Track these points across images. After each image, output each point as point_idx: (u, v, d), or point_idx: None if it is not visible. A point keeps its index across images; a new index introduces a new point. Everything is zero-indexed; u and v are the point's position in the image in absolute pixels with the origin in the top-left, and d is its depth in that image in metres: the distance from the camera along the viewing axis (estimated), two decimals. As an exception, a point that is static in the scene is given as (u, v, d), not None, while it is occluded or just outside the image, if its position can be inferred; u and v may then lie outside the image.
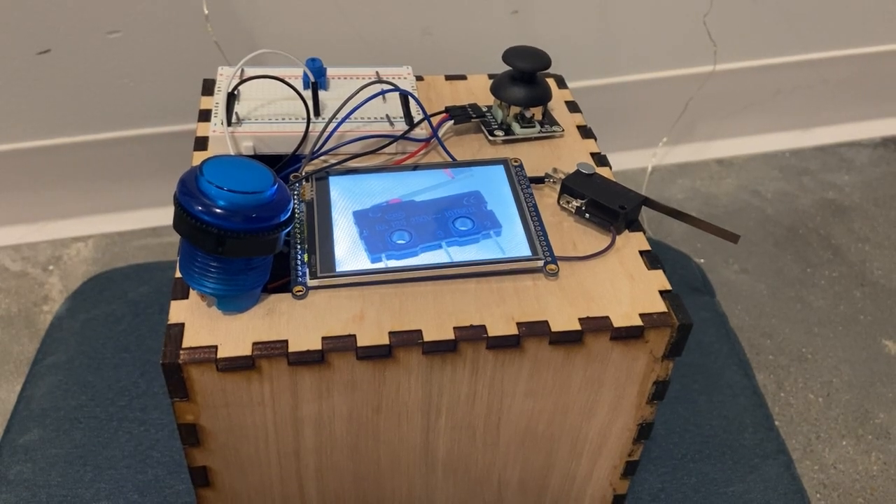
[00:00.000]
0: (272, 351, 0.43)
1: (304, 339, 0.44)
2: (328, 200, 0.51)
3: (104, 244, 1.00)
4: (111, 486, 0.64)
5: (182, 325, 0.44)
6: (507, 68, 0.58)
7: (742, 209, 1.10)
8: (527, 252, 0.49)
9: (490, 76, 0.64)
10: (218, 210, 0.41)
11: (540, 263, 0.48)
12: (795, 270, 0.99)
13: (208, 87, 0.62)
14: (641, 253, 0.51)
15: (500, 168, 0.55)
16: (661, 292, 0.48)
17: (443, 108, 0.59)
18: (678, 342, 0.47)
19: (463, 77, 0.66)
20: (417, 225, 0.50)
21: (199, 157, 0.55)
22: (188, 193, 0.42)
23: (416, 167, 0.55)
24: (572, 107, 0.63)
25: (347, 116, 0.55)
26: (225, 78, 0.59)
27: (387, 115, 0.58)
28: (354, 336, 0.44)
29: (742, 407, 0.74)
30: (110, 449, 0.66)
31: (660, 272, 0.49)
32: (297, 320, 0.45)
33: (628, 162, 1.16)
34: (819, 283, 0.98)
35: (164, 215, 1.03)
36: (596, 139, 0.60)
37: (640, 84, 1.12)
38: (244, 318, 0.45)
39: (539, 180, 0.55)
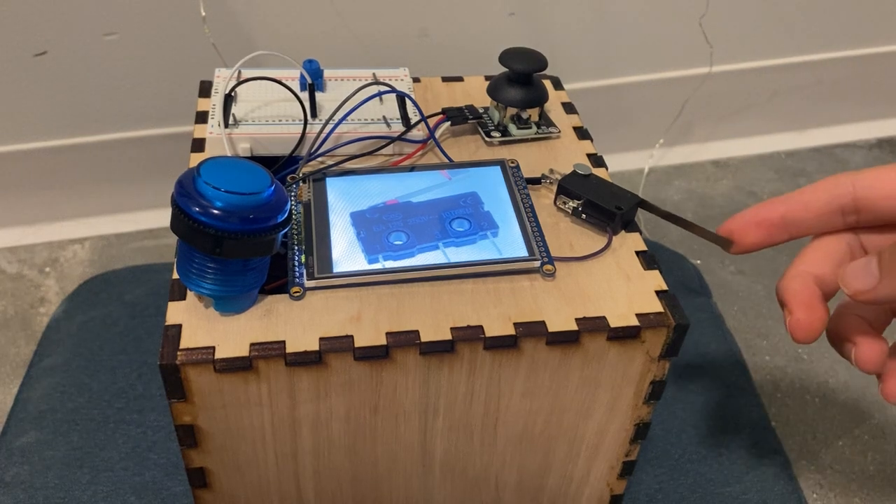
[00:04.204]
0: (270, 352, 0.43)
1: (302, 340, 0.44)
2: (325, 201, 0.51)
3: (101, 246, 1.00)
4: (108, 488, 0.64)
5: (179, 327, 0.44)
6: (504, 70, 0.58)
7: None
8: (524, 253, 0.49)
9: (487, 78, 0.65)
10: (215, 211, 0.41)
11: (537, 264, 0.48)
12: (791, 271, 0.99)
13: (205, 89, 0.62)
14: (638, 253, 0.51)
15: (497, 169, 0.55)
16: (658, 293, 0.48)
17: (440, 110, 0.59)
18: (675, 342, 0.47)
19: (460, 79, 0.66)
20: (415, 226, 0.50)
21: (196, 159, 0.55)
22: (185, 195, 0.42)
23: (413, 168, 0.55)
24: (569, 108, 0.63)
25: (344, 118, 0.55)
26: (222, 80, 0.59)
27: (384, 117, 0.58)
28: (352, 337, 0.44)
29: (738, 407, 0.74)
30: (107, 451, 0.66)
31: (656, 273, 0.49)
32: (294, 321, 0.45)
33: (625, 163, 1.16)
34: (815, 284, 0.98)
35: (161, 217, 1.03)
36: (592, 140, 0.60)
37: (637, 86, 1.12)
38: (241, 319, 0.45)
39: (536, 181, 0.55)
